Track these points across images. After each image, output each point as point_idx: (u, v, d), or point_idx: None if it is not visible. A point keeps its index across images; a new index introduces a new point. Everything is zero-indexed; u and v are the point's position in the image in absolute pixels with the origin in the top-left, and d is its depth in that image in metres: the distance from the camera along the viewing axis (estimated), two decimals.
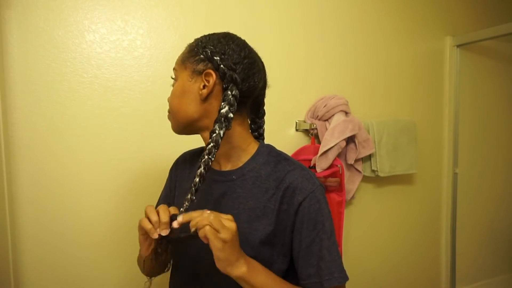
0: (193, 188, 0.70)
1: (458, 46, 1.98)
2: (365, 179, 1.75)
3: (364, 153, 1.63)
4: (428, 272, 2.06)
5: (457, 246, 2.07)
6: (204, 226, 0.63)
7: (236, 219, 0.68)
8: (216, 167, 0.83)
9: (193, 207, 0.70)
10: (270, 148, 0.85)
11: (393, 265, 1.92)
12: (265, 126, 1.54)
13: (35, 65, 1.17)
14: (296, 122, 1.60)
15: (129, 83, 1.28)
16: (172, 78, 0.80)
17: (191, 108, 0.76)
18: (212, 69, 0.74)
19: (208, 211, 0.65)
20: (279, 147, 1.58)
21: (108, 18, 1.25)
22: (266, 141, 1.54)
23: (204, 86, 0.74)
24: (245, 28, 1.48)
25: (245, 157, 0.81)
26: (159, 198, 0.98)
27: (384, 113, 1.81)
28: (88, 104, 1.23)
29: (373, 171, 1.71)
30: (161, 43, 1.32)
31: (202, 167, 0.71)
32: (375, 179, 1.79)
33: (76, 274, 1.25)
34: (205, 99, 0.75)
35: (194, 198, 0.70)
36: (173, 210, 0.71)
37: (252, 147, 0.82)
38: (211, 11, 1.41)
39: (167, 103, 0.81)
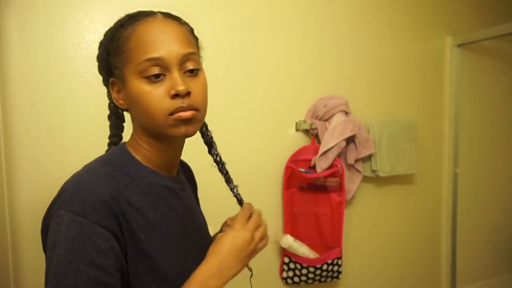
0: (232, 183, 0.79)
1: (458, 45, 1.98)
2: (365, 179, 1.75)
3: (364, 153, 1.63)
4: (428, 272, 2.06)
5: (457, 246, 2.07)
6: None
7: (202, 214, 0.80)
8: (171, 172, 0.71)
9: (171, 222, 0.66)
10: None
11: (393, 265, 1.92)
12: (266, 126, 1.55)
13: (35, 65, 1.16)
14: (296, 122, 1.60)
15: None
16: (192, 69, 0.62)
17: None
18: None
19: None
20: (279, 147, 1.59)
21: (108, 18, 1.25)
22: (267, 141, 1.54)
23: None
24: (245, 28, 1.48)
25: None
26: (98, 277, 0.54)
27: (384, 113, 1.81)
28: (88, 104, 1.23)
29: (373, 171, 1.71)
30: None
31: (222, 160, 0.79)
32: (375, 179, 1.79)
33: None
34: None
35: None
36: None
37: None
38: (211, 12, 1.41)
39: None
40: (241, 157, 1.49)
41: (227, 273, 0.64)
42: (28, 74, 1.16)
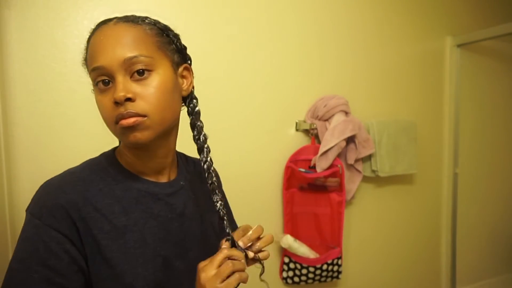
0: (217, 195, 0.69)
1: (458, 46, 1.98)
2: (365, 179, 1.75)
3: (364, 153, 1.63)
4: (428, 272, 2.06)
5: (457, 246, 2.07)
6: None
7: (206, 221, 0.72)
8: (158, 178, 0.70)
9: (158, 228, 0.65)
10: None
11: (393, 265, 1.92)
12: (266, 126, 1.55)
13: (35, 65, 1.16)
14: (296, 122, 1.60)
15: None
16: (141, 70, 0.59)
17: (178, 106, 0.67)
18: (188, 64, 0.70)
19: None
20: (279, 147, 1.59)
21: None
22: (267, 141, 1.54)
23: (183, 82, 0.68)
24: (245, 28, 1.48)
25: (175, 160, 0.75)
26: (47, 275, 0.56)
27: (384, 113, 1.81)
28: (88, 104, 1.23)
29: (373, 171, 1.71)
30: None
31: (213, 172, 0.69)
32: (375, 179, 1.79)
33: None
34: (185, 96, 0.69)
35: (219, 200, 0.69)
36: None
37: None
38: (211, 12, 1.40)
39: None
40: (241, 157, 1.49)
41: None
42: (28, 74, 1.16)
